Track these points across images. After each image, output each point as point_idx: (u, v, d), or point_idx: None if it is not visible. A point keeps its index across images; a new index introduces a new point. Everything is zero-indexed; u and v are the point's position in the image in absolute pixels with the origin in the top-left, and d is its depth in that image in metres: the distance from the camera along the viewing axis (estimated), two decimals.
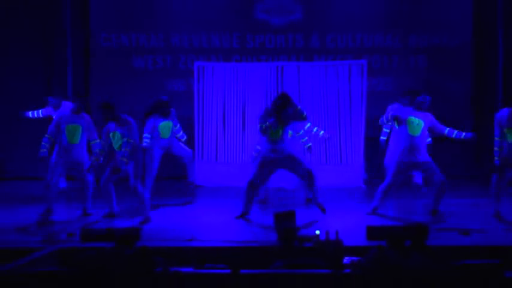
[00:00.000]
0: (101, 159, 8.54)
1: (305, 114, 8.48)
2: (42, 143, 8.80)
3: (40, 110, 10.88)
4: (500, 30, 12.34)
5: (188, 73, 12.40)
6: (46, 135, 8.87)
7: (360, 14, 12.63)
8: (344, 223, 8.06)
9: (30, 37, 12.39)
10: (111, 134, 8.46)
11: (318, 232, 6.40)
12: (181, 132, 10.07)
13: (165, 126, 9.56)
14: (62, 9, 12.42)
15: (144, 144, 9.35)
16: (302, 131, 9.39)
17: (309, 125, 9.64)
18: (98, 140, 8.98)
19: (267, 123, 8.25)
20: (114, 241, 5.14)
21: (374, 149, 10.69)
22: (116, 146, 8.43)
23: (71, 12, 12.47)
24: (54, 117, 9.67)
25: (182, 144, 10.02)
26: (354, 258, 5.26)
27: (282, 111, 8.26)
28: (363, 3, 12.62)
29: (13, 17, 12.37)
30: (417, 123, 8.52)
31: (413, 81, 12.55)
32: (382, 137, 10.41)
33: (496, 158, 8.45)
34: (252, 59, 12.65)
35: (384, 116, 8.92)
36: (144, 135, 9.42)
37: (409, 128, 8.48)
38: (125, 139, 8.27)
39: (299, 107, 8.47)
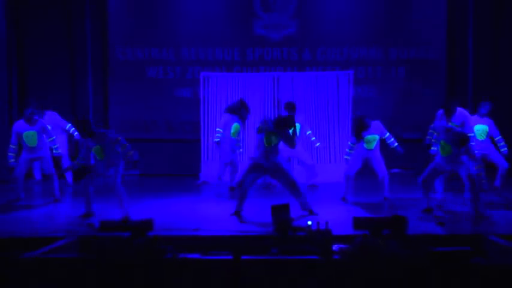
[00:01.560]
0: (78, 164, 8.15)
1: (295, 143, 8.17)
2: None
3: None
4: (470, 45, 12.32)
5: (195, 82, 12.37)
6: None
7: (347, 30, 12.61)
8: (333, 214, 8.04)
9: (56, 51, 12.33)
10: (93, 149, 7.98)
11: (309, 223, 6.38)
12: (391, 139, 9.22)
13: (236, 127, 9.28)
14: (83, 26, 12.38)
15: (216, 138, 9.39)
16: (310, 131, 9.21)
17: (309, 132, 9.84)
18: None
19: (266, 126, 8.00)
20: (129, 231, 5.13)
21: None
22: (100, 157, 7.99)
23: (91, 29, 12.44)
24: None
25: None
26: (342, 245, 5.24)
27: (283, 128, 7.98)
28: (350, 21, 12.59)
29: (42, 35, 12.30)
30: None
31: (393, 89, 12.57)
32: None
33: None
34: (252, 70, 12.63)
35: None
36: (217, 129, 9.35)
37: None
38: (121, 145, 7.89)
39: (292, 135, 8.07)
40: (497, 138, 8.53)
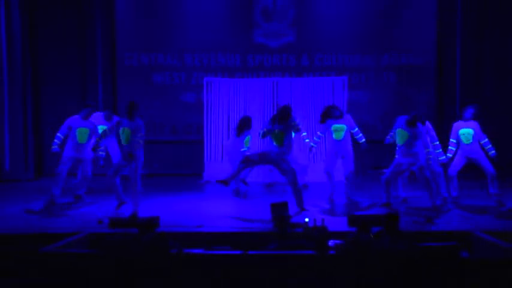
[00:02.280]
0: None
1: (299, 126, 8.37)
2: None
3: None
4: (458, 52, 12.36)
5: (199, 87, 12.39)
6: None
7: (342, 38, 12.64)
8: (329, 211, 8.08)
9: (68, 57, 12.37)
10: (123, 129, 8.15)
11: (307, 220, 6.41)
12: (359, 134, 9.23)
13: (339, 128, 9.22)
14: (94, 34, 12.41)
15: (313, 142, 9.27)
16: (357, 128, 9.19)
17: (304, 133, 9.86)
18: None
19: (265, 129, 8.24)
20: (137, 228, 5.15)
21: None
22: (125, 141, 8.13)
23: (101, 36, 12.46)
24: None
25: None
26: (337, 241, 5.27)
27: (282, 121, 8.16)
28: (345, 30, 12.62)
29: (55, 42, 12.36)
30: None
31: (385, 94, 12.59)
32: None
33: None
34: (252, 75, 12.65)
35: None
36: (318, 133, 9.33)
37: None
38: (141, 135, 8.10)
39: (296, 121, 8.29)
40: (483, 142, 8.50)
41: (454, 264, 4.81)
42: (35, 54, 12.33)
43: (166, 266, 4.87)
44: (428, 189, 8.12)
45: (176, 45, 12.72)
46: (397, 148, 8.39)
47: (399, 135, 8.23)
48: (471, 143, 8.44)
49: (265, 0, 12.69)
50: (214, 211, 8.37)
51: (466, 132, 8.45)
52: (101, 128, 9.41)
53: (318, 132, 9.33)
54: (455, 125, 8.63)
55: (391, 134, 8.53)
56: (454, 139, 8.58)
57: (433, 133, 8.69)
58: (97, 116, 9.89)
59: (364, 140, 9.08)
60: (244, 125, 9.72)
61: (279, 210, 6.94)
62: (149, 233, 5.08)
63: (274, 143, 8.14)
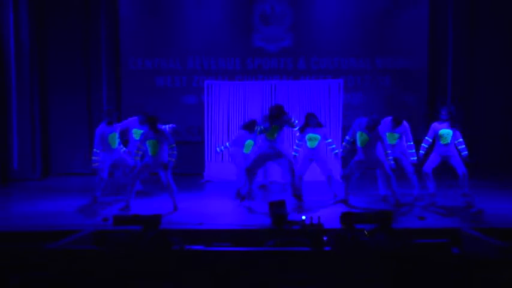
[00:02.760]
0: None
1: (295, 122, 8.52)
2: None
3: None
4: (450, 56, 12.37)
5: (200, 90, 12.40)
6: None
7: (338, 42, 12.64)
8: (325, 210, 8.08)
9: (73, 62, 12.35)
10: (149, 141, 8.31)
11: (304, 217, 6.42)
12: (333, 145, 9.28)
13: (313, 137, 9.22)
14: (99, 40, 12.39)
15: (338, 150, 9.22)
16: (330, 139, 9.26)
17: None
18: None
19: (262, 127, 8.46)
20: (140, 225, 5.16)
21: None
22: (152, 152, 8.31)
23: (106, 42, 12.46)
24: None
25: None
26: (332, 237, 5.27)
27: (277, 118, 8.35)
28: (341, 34, 12.62)
29: (62, 47, 12.33)
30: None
31: (379, 96, 12.60)
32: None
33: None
34: (251, 78, 12.65)
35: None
36: (296, 141, 9.33)
37: None
38: (169, 145, 8.29)
39: (290, 117, 8.52)
40: (457, 141, 8.49)
41: (447, 260, 4.83)
42: (43, 58, 12.31)
43: (168, 262, 4.87)
44: (390, 188, 8.40)
45: (178, 49, 12.72)
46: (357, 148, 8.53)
47: (360, 138, 8.42)
48: (449, 143, 8.44)
49: (264, 6, 12.70)
50: (214, 209, 8.38)
51: (445, 133, 8.47)
52: (135, 132, 9.46)
53: (296, 140, 9.35)
54: (433, 125, 8.66)
55: (349, 137, 8.60)
56: (430, 138, 8.65)
57: (409, 133, 8.86)
58: (133, 120, 9.97)
59: (337, 151, 9.17)
60: (251, 125, 9.68)
61: (277, 208, 6.96)
62: (152, 230, 5.09)
63: (267, 138, 8.44)
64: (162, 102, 12.60)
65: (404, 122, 8.89)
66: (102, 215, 7.73)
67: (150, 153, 8.35)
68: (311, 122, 9.02)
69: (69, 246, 5.67)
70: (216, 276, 4.74)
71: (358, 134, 8.41)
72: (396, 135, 8.82)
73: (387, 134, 8.70)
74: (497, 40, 12.24)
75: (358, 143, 8.44)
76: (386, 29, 12.57)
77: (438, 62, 12.49)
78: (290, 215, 7.11)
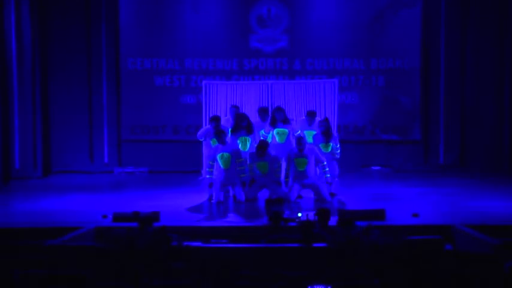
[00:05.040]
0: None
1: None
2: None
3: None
4: (442, 57, 12.37)
5: (198, 90, 12.37)
6: None
7: (332, 43, 12.63)
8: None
9: (74, 62, 12.34)
10: (220, 155, 8.24)
11: (299, 214, 6.42)
12: None
13: (281, 132, 9.14)
14: (99, 40, 12.38)
15: None
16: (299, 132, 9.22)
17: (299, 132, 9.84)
18: None
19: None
20: (139, 222, 5.14)
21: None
22: (225, 166, 8.24)
23: (105, 42, 12.44)
24: None
25: None
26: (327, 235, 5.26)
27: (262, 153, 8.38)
28: (335, 35, 12.60)
29: (63, 46, 12.32)
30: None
31: (373, 96, 12.61)
32: None
33: None
34: (248, 78, 12.63)
35: None
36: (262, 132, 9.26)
37: None
38: (237, 159, 8.26)
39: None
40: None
41: (439, 256, 4.83)
42: (44, 57, 12.28)
43: (167, 258, 4.86)
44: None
45: (177, 50, 12.70)
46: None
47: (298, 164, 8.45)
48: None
49: (261, 8, 12.70)
50: (213, 206, 8.35)
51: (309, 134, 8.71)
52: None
53: (262, 131, 9.22)
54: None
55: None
56: None
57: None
58: (226, 120, 9.86)
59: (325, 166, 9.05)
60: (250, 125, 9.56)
61: (273, 206, 6.95)
62: (151, 227, 5.08)
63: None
64: (161, 102, 12.58)
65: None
66: (102, 212, 7.69)
67: (222, 166, 8.27)
68: (279, 117, 8.93)
69: (70, 243, 5.64)
70: (214, 272, 4.73)
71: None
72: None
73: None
74: (489, 40, 12.23)
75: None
76: (380, 30, 12.55)
77: (431, 62, 12.48)
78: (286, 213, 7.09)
